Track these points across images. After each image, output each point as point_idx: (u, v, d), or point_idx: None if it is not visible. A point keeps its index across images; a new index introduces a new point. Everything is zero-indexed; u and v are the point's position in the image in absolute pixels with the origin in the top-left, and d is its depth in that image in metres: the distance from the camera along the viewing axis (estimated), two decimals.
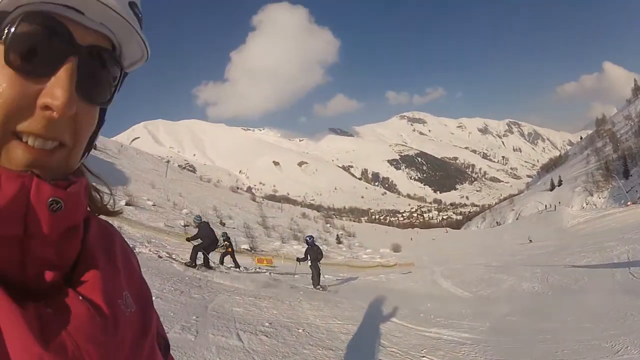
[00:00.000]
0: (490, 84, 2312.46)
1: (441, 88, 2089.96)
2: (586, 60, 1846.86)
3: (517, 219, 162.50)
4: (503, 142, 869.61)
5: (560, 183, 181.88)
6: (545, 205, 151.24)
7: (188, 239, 19.40)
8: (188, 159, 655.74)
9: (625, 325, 9.42)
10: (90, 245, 0.68)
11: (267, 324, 9.26)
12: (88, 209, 0.74)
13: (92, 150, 0.70)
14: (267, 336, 8.38)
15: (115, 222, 0.62)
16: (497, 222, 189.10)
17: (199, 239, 18.36)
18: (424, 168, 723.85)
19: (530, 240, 60.15)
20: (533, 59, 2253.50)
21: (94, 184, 0.78)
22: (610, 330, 9.18)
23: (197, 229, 19.36)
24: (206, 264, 17.79)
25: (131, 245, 0.65)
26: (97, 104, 0.60)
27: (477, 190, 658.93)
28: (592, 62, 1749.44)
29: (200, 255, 17.96)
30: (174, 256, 17.90)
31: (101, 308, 0.61)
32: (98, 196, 0.80)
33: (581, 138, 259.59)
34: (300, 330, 9.25)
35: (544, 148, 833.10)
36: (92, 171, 0.79)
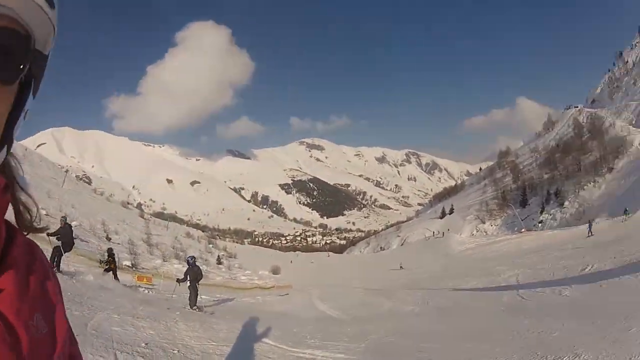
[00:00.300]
0: (395, 114, 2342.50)
1: (346, 116, 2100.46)
2: (499, 94, 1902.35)
3: (402, 244, 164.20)
4: (399, 171, 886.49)
5: (451, 211, 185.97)
6: (433, 232, 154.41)
7: (48, 234, 18.81)
8: (86, 170, 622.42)
9: (513, 344, 10.08)
10: (13, 259, 0.65)
11: (143, 345, 9.27)
12: (16, 225, 0.72)
13: None
14: (143, 357, 8.43)
15: None
16: (381, 248, 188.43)
17: (58, 236, 18.46)
18: (315, 193, 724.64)
19: (401, 267, 60.89)
20: (443, 91, 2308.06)
21: (22, 199, 0.73)
22: (496, 348, 9.82)
23: (59, 227, 19.11)
24: (57, 266, 17.88)
25: None
26: None
27: (365, 217, 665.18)
28: (506, 96, 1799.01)
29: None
30: (61, 269, 17.79)
31: (13, 327, 0.58)
32: (28, 213, 0.76)
33: (480, 169, 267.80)
34: (175, 352, 9.34)
35: (440, 178, 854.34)
36: (20, 184, 0.74)
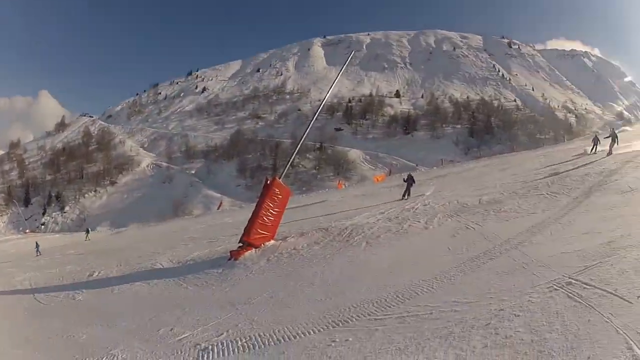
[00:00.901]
0: None
1: None
2: (23, 81, 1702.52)
3: None
4: None
5: None
6: None
7: None
8: None
9: (48, 346, 10.01)
10: None
11: None
12: None
13: None
14: None
15: None
16: None
17: None
18: None
19: None
20: None
21: None
22: (36, 352, 9.75)
23: None
24: None
25: None
26: None
27: None
28: (30, 86, 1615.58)
29: None
30: None
31: None
32: None
33: None
34: None
35: None
36: None
